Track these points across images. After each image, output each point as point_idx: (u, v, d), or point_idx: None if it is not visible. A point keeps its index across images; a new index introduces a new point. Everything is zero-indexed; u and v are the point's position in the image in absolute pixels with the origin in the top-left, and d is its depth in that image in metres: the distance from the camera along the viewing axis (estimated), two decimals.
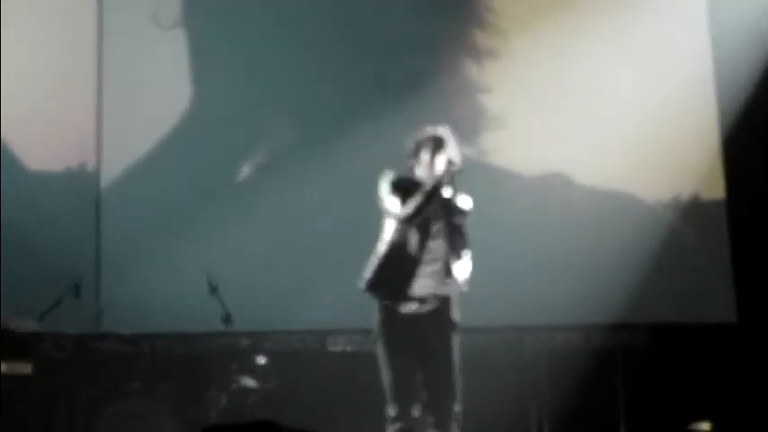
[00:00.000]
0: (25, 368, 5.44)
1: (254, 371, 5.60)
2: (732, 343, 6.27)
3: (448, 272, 4.31)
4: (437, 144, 4.38)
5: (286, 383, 5.62)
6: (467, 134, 6.38)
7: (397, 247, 4.30)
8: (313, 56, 6.53)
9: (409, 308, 4.28)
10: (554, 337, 6.25)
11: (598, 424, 5.85)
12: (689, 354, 6.24)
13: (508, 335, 6.22)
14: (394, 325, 4.27)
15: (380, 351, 4.30)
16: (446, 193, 4.31)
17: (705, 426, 5.88)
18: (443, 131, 4.43)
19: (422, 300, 4.28)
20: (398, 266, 4.29)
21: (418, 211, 4.27)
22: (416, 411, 4.24)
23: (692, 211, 6.56)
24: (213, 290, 5.51)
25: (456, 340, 4.32)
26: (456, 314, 4.33)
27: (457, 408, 4.26)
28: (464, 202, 4.39)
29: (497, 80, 6.65)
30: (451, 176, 4.30)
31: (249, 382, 5.56)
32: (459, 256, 4.33)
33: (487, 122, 6.60)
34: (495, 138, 6.57)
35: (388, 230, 4.34)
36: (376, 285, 4.31)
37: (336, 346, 6.12)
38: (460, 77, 6.66)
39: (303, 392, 5.67)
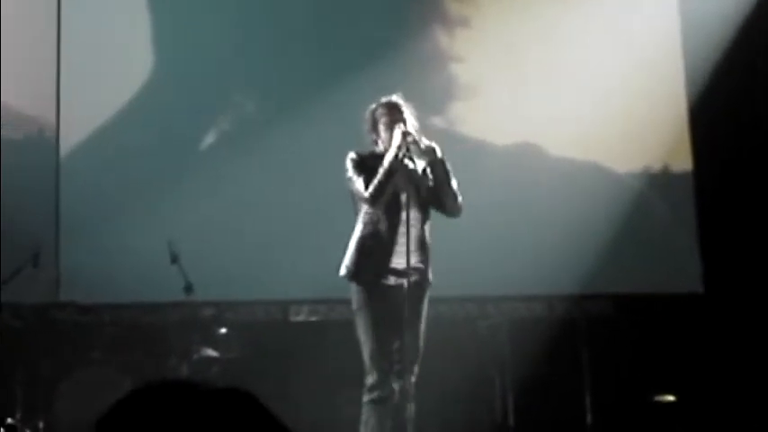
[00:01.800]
0: None
1: (215, 341, 5.53)
2: (698, 314, 6.27)
3: (422, 242, 4.26)
4: (392, 113, 4.31)
5: (248, 354, 5.57)
6: (437, 104, 6.34)
7: (371, 228, 4.28)
8: (280, 24, 6.43)
9: (390, 280, 4.26)
10: (518, 307, 6.23)
11: (562, 395, 5.84)
12: (654, 325, 6.24)
13: (471, 305, 6.19)
14: (376, 297, 4.25)
15: (362, 322, 4.26)
16: (409, 164, 4.23)
17: (670, 398, 5.89)
18: (397, 98, 4.34)
19: (402, 272, 4.23)
20: (375, 247, 4.27)
21: (380, 189, 4.21)
22: (393, 379, 4.22)
23: (660, 181, 6.56)
24: (174, 259, 5.41)
25: (426, 311, 4.32)
26: (429, 287, 4.32)
27: (413, 378, 4.24)
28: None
29: (468, 49, 6.60)
30: (408, 148, 4.22)
31: (211, 352, 5.49)
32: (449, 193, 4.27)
33: (458, 92, 6.55)
34: (465, 107, 6.53)
35: (361, 212, 4.30)
36: (357, 273, 4.29)
37: (299, 316, 6.08)
38: (431, 46, 6.59)
39: (265, 363, 5.61)
